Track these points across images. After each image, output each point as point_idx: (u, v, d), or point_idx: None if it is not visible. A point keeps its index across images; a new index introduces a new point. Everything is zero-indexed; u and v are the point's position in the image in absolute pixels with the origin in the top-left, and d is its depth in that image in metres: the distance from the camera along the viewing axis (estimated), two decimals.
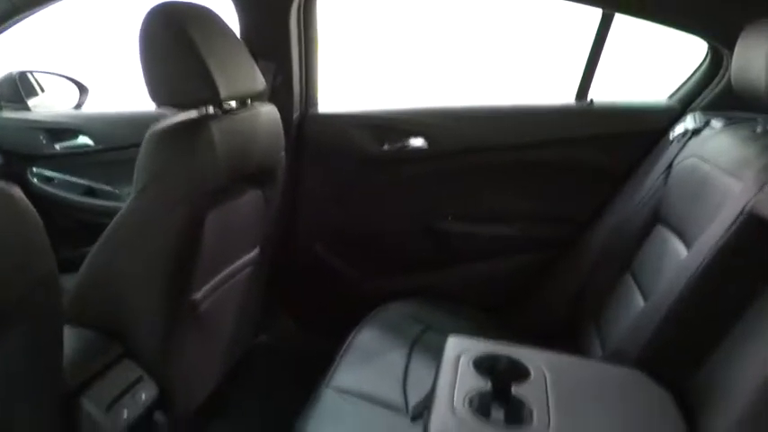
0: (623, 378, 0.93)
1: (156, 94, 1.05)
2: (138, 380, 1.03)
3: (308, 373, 1.41)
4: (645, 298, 1.15)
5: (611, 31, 1.48)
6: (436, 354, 1.21)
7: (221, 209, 1.18)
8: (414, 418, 0.95)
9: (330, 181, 1.64)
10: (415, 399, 1.13)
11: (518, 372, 0.90)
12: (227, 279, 1.30)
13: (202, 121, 1.06)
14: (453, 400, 0.82)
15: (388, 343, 1.31)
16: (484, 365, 0.91)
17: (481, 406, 0.82)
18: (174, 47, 1.03)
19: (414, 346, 1.32)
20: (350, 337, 1.33)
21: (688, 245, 1.07)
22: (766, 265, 0.86)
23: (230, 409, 1.52)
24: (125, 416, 0.97)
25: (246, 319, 1.47)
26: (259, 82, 1.24)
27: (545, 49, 2.85)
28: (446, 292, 1.62)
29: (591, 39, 1.50)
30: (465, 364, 0.91)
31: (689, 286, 0.94)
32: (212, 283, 1.24)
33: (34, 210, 0.72)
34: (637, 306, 1.16)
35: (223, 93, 1.07)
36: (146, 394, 1.02)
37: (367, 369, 1.21)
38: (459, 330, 1.09)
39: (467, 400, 0.82)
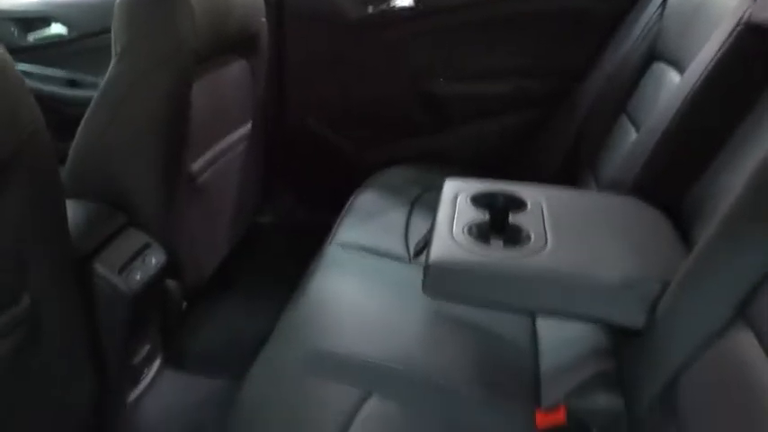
0: (619, 204, 0.95)
1: None
2: (146, 246, 1.05)
3: (311, 246, 1.44)
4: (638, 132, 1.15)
5: None
6: (434, 210, 1.23)
7: (209, 78, 1.16)
8: (415, 255, 0.97)
9: (315, 50, 1.59)
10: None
11: (515, 203, 0.92)
12: (222, 153, 1.30)
13: None
14: (453, 231, 0.84)
15: (388, 203, 1.33)
16: (481, 201, 0.93)
17: (480, 234, 0.84)
18: None
19: (413, 204, 1.34)
20: (350, 200, 1.35)
21: (684, 72, 1.06)
22: (762, 76, 0.85)
23: (238, 285, 1.57)
24: (138, 278, 1.00)
25: (246, 195, 1.48)
26: None
27: None
28: (442, 156, 1.62)
29: None
30: (463, 201, 0.92)
31: (683, 106, 0.93)
32: (207, 155, 1.24)
33: (11, 60, 0.70)
34: (632, 144, 1.16)
35: None
36: (155, 259, 1.05)
37: (368, 226, 1.24)
38: None
39: (466, 230, 0.84)
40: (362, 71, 1.61)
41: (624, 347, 0.81)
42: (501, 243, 0.85)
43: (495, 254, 0.79)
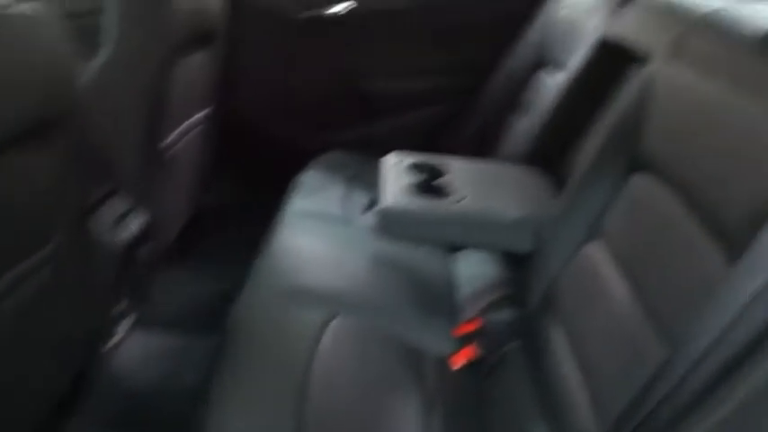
0: (517, 171, 1.26)
1: None
2: (131, 209, 1.22)
3: (254, 223, 1.65)
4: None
5: None
6: (368, 185, 1.50)
7: (180, 65, 1.34)
8: (367, 209, 1.21)
9: (260, 46, 1.80)
10: (358, 217, 1.41)
11: (441, 170, 1.19)
12: (186, 132, 1.48)
13: None
14: (396, 187, 1.10)
15: (329, 180, 1.57)
16: (416, 168, 1.19)
17: (416, 191, 1.11)
18: None
19: (350, 181, 1.58)
20: (297, 178, 1.57)
21: (562, 72, 1.38)
22: (614, 73, 1.18)
23: (190, 257, 1.74)
24: (126, 234, 1.17)
25: (200, 174, 1.67)
26: None
27: None
28: (370, 143, 1.87)
29: None
30: (402, 168, 1.18)
31: (562, 99, 1.25)
32: (174, 135, 1.42)
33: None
34: (523, 128, 1.48)
35: None
36: (138, 220, 1.23)
37: (316, 197, 1.46)
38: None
39: (406, 187, 1.10)
40: (302, 67, 1.83)
41: (519, 272, 1.11)
42: (432, 197, 1.12)
43: (429, 203, 1.06)
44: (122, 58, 1.17)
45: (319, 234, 1.31)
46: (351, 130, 1.90)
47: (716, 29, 0.83)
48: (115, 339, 1.33)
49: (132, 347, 1.35)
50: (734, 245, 0.63)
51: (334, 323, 1.04)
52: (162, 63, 1.22)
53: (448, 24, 1.80)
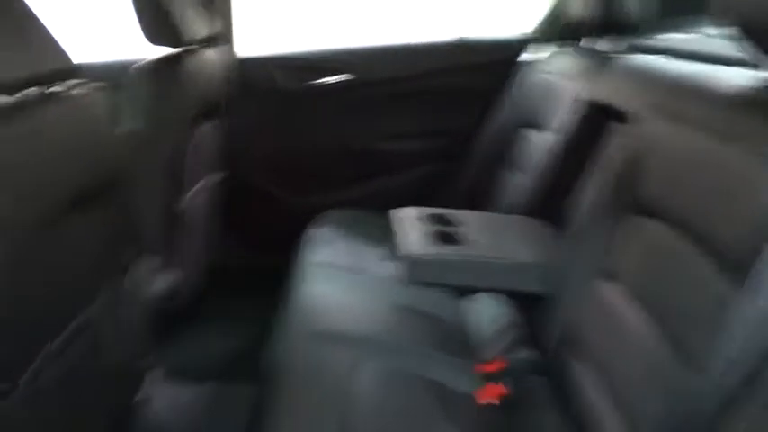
0: (518, 221, 1.38)
1: (152, 35, 1.27)
2: (159, 267, 1.28)
3: (261, 283, 1.71)
4: None
5: None
6: (374, 239, 1.60)
7: (194, 135, 1.44)
8: (385, 259, 1.30)
9: (259, 116, 1.91)
10: (371, 266, 1.50)
11: (451, 220, 1.31)
12: (196, 195, 1.56)
13: (184, 56, 1.31)
14: (415, 238, 1.20)
15: (337, 235, 1.66)
16: (428, 220, 1.30)
17: (433, 240, 1.22)
18: None
19: (356, 235, 1.67)
20: (307, 234, 1.66)
21: (543, 132, 1.54)
22: (593, 131, 1.34)
23: (204, 314, 1.78)
24: (158, 289, 1.23)
25: (210, 236, 1.73)
26: (209, 27, 1.48)
27: None
28: (367, 202, 1.98)
29: None
30: (415, 220, 1.29)
31: (548, 156, 1.40)
32: (189, 196, 1.50)
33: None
34: (516, 183, 1.62)
35: (199, 34, 1.32)
36: (167, 277, 1.28)
37: (329, 250, 1.55)
38: (385, 226, 1.42)
39: (423, 237, 1.21)
40: (299, 133, 1.95)
41: (533, 312, 1.21)
42: (448, 245, 1.22)
43: (448, 251, 1.17)
44: (148, 129, 1.26)
45: (337, 283, 1.39)
46: (349, 190, 2.01)
47: (690, 90, 0.99)
48: (145, 392, 1.36)
49: (162, 399, 1.38)
50: (737, 270, 0.75)
51: (364, 364, 1.11)
52: (181, 134, 1.31)
53: (433, 91, 1.96)
